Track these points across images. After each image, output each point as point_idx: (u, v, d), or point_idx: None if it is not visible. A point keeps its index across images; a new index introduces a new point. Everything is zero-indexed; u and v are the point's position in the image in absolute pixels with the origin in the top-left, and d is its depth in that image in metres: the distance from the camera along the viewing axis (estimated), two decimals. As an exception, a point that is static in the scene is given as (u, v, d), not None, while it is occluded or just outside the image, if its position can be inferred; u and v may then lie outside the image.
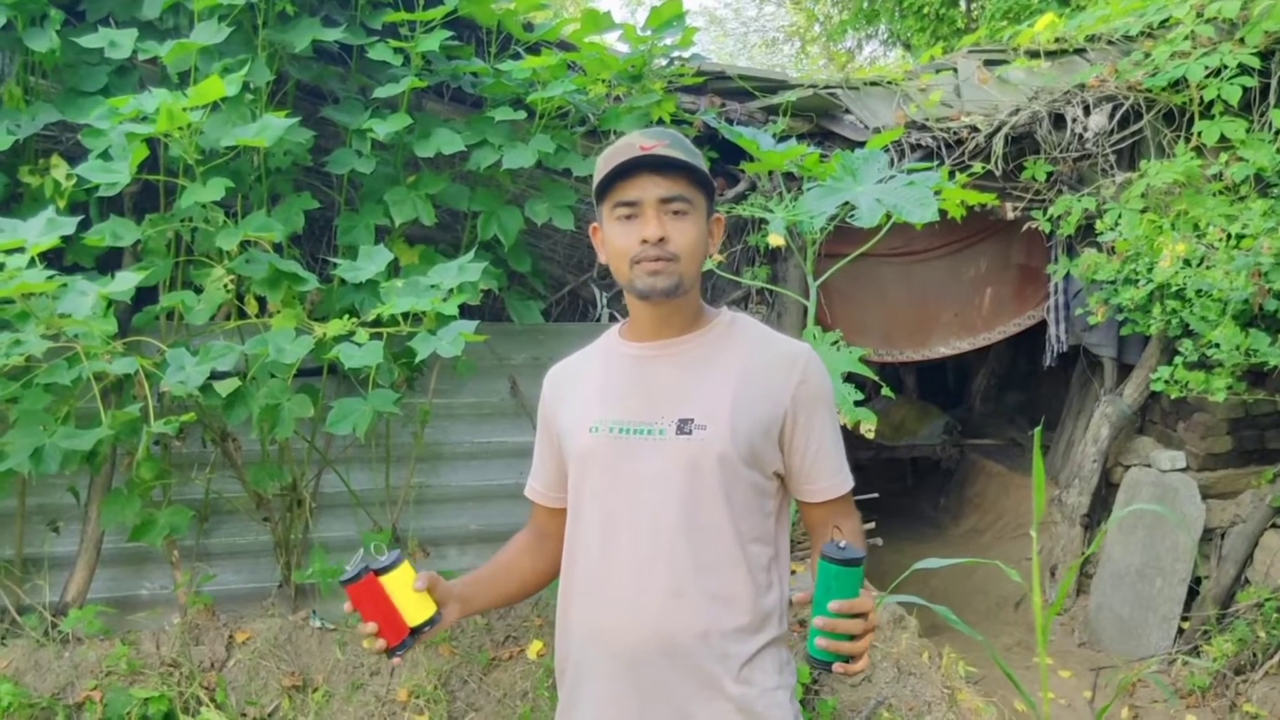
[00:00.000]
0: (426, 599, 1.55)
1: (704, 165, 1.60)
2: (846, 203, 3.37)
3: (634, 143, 1.56)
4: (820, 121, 4.18)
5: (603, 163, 1.59)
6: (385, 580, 1.52)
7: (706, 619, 1.56)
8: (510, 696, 3.37)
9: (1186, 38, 4.18)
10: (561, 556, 1.71)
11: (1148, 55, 4.34)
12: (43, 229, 2.53)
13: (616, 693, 1.60)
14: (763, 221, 3.82)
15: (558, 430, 1.72)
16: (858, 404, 3.55)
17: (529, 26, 3.60)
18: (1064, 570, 4.66)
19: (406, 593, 1.53)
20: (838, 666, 1.45)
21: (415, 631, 1.54)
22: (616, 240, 1.57)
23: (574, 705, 1.68)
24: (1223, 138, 4.04)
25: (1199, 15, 4.20)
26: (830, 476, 1.66)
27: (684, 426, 1.57)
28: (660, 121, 3.63)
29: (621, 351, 1.68)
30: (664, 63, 3.74)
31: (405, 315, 3.01)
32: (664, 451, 1.57)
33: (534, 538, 1.84)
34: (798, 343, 1.70)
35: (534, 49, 3.56)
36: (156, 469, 3.20)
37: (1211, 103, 4.08)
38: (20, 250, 2.49)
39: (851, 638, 1.44)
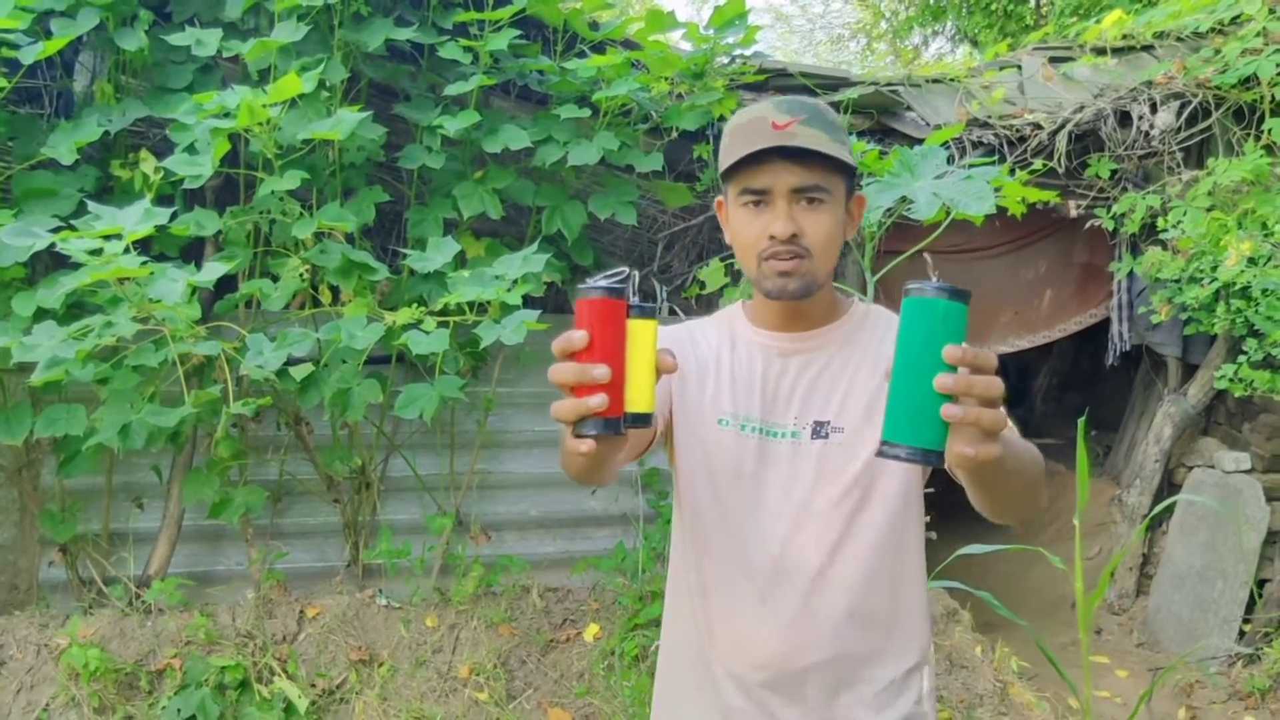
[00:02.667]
0: (653, 385, 1.13)
1: (846, 143, 1.40)
2: (904, 198, 3.40)
3: (765, 117, 1.36)
4: (881, 118, 4.20)
5: (730, 138, 1.41)
6: (633, 325, 1.11)
7: (844, 641, 1.42)
8: (567, 677, 3.46)
9: (1258, 34, 4.13)
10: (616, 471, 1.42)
11: (1217, 52, 4.29)
12: (139, 218, 2.68)
13: (732, 707, 1.47)
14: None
15: (685, 390, 1.50)
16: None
17: (594, 25, 3.69)
18: (1123, 571, 4.62)
19: (642, 360, 1.11)
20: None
21: (627, 420, 1.10)
22: (742, 230, 1.41)
23: (682, 708, 1.55)
24: (1293, 135, 3.99)
25: (1271, 12, 4.15)
26: None
27: (820, 430, 1.43)
28: (721, 119, 3.69)
29: (750, 339, 1.52)
30: (726, 61, 3.80)
31: (471, 304, 3.11)
32: (799, 456, 1.43)
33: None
34: None
35: (599, 48, 3.64)
36: (234, 449, 3.35)
37: (1282, 100, 4.03)
38: (118, 237, 2.63)
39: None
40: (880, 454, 1.06)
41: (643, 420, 1.10)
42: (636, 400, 1.10)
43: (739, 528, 1.45)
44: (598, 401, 1.05)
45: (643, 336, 1.11)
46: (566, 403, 1.07)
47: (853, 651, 1.42)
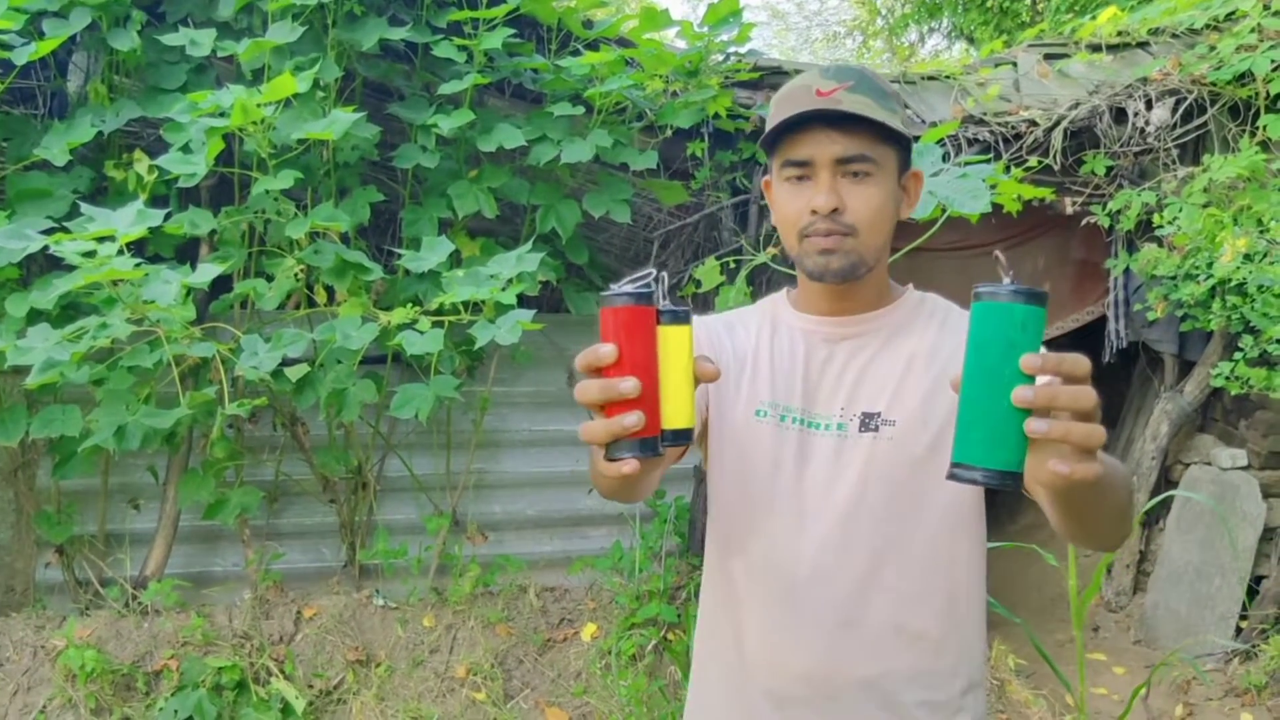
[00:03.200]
0: (691, 397, 1.01)
1: (898, 112, 1.29)
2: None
3: (810, 85, 1.27)
4: (877, 116, 4.19)
5: (773, 108, 1.31)
6: (665, 332, 0.99)
7: (885, 657, 1.30)
8: (564, 676, 3.46)
9: (1253, 30, 4.12)
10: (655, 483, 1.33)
11: (1212, 48, 4.28)
12: (132, 220, 2.67)
13: None
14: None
15: (722, 384, 1.39)
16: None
17: (588, 24, 3.69)
18: (1120, 568, 4.62)
19: (678, 372, 0.99)
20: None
21: (665, 438, 0.98)
22: (785, 205, 1.31)
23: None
24: (1289, 132, 3.99)
25: (1265, 8, 4.14)
26: None
27: (869, 422, 1.31)
28: (716, 117, 3.69)
29: (792, 324, 1.42)
30: (721, 58, 3.80)
31: (466, 304, 3.11)
32: (845, 451, 1.32)
33: None
34: None
35: (593, 45, 3.64)
36: (230, 450, 3.34)
37: (1278, 97, 4.02)
38: (111, 239, 2.63)
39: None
40: (952, 477, 0.95)
41: (684, 437, 1.00)
42: (674, 416, 0.99)
43: (775, 528, 1.34)
44: (633, 421, 0.93)
45: (676, 344, 0.99)
46: (597, 424, 0.96)
47: (896, 670, 1.30)
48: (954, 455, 0.95)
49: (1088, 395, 0.91)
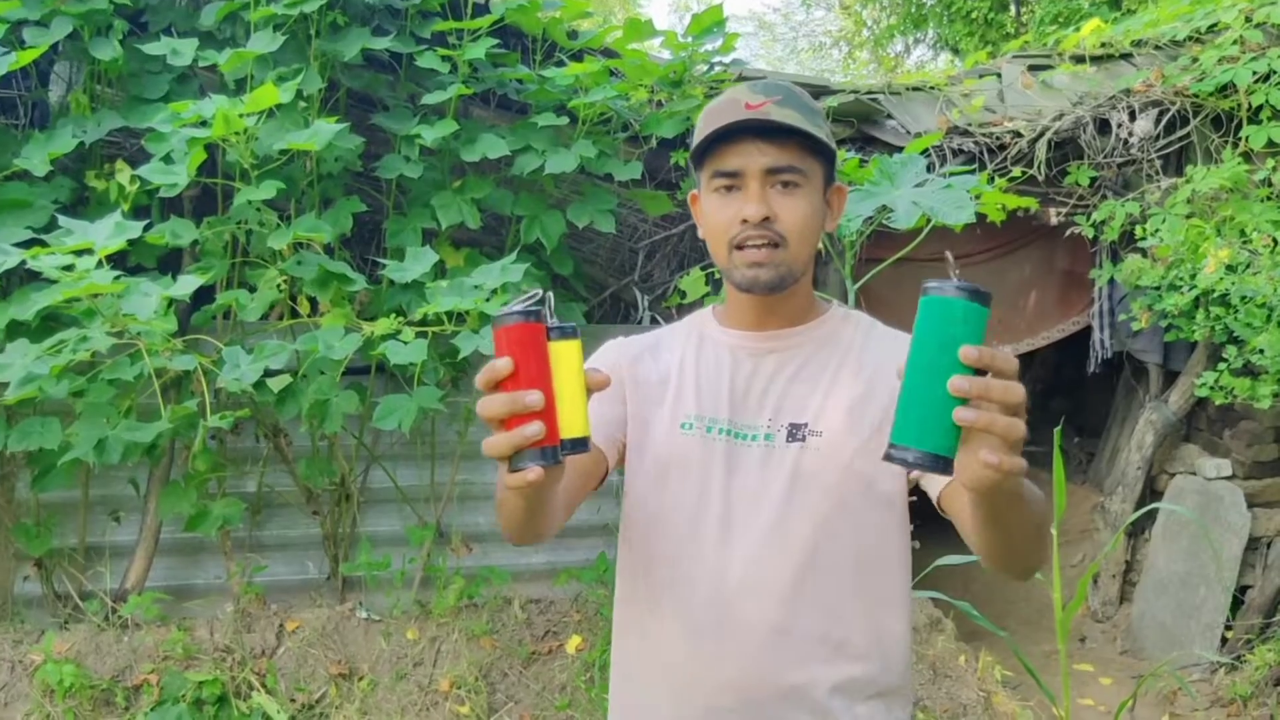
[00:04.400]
0: (585, 408, 1.06)
1: (823, 127, 1.32)
2: (884, 206, 3.40)
3: (739, 99, 1.30)
4: (862, 126, 4.20)
5: (703, 121, 1.33)
6: (556, 348, 1.04)
7: (812, 665, 1.30)
8: (549, 689, 3.44)
9: (1235, 42, 4.15)
10: (564, 515, 1.33)
11: (1195, 60, 4.31)
12: (111, 232, 2.65)
13: None
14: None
15: (634, 390, 1.41)
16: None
17: (573, 34, 3.68)
18: (1107, 578, 4.63)
19: (570, 385, 1.04)
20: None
21: (564, 447, 1.03)
22: (714, 216, 1.32)
23: None
24: (1271, 143, 4.00)
25: (1247, 20, 4.17)
26: None
27: (796, 433, 1.32)
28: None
29: (719, 339, 1.43)
30: (705, 68, 3.80)
31: (450, 315, 3.10)
32: (772, 461, 1.32)
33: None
34: None
35: (577, 56, 3.63)
36: (212, 462, 3.32)
37: (1260, 108, 4.05)
38: (89, 252, 2.61)
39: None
40: (887, 457, 0.99)
41: (580, 445, 1.04)
42: (570, 425, 1.03)
43: (703, 539, 1.33)
44: (534, 430, 0.98)
45: (567, 358, 1.04)
46: (499, 437, 0.99)
47: (823, 678, 1.29)
48: (891, 437, 0.99)
49: (1017, 390, 0.95)
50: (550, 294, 1.07)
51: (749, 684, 1.30)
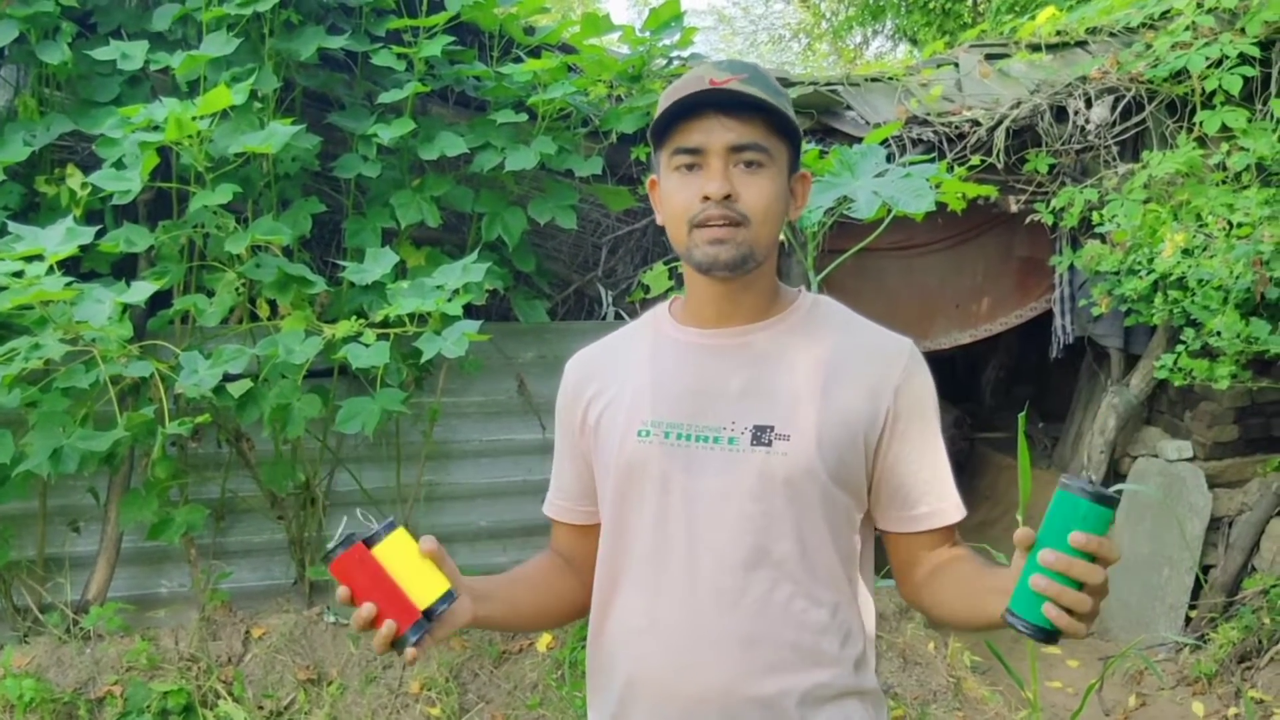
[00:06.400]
0: (435, 573, 1.21)
1: (788, 105, 1.27)
2: (844, 197, 3.41)
3: (702, 76, 1.24)
4: (821, 118, 4.21)
5: (664, 99, 1.26)
6: (378, 552, 1.20)
7: (783, 674, 1.26)
8: (520, 689, 3.43)
9: (1187, 28, 4.19)
10: (592, 588, 1.39)
11: (1149, 47, 4.35)
12: (61, 238, 2.61)
13: None
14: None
15: (590, 430, 1.39)
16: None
17: (530, 30, 3.66)
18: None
19: (409, 566, 1.20)
20: (1053, 613, 1.05)
21: (429, 614, 1.19)
22: (673, 196, 1.26)
23: None
24: (1224, 127, 4.05)
25: (1199, 6, 4.21)
26: (937, 499, 1.32)
27: (761, 436, 1.27)
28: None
29: (676, 338, 1.37)
30: (664, 63, 3.79)
31: (411, 316, 3.07)
32: (736, 466, 1.27)
33: (559, 561, 1.49)
34: (897, 335, 1.36)
35: (535, 52, 3.61)
36: (172, 469, 3.27)
37: (1213, 93, 4.09)
38: (39, 258, 2.56)
39: (1076, 585, 1.06)
40: (1003, 619, 1.11)
41: (444, 600, 1.20)
42: (424, 597, 1.20)
43: (668, 548, 1.29)
44: (385, 630, 1.16)
45: (395, 550, 1.20)
46: (375, 640, 1.16)
47: (793, 687, 1.26)
48: (1010, 602, 1.12)
49: (1097, 573, 1.05)
50: (360, 512, 1.32)
51: (721, 695, 1.26)
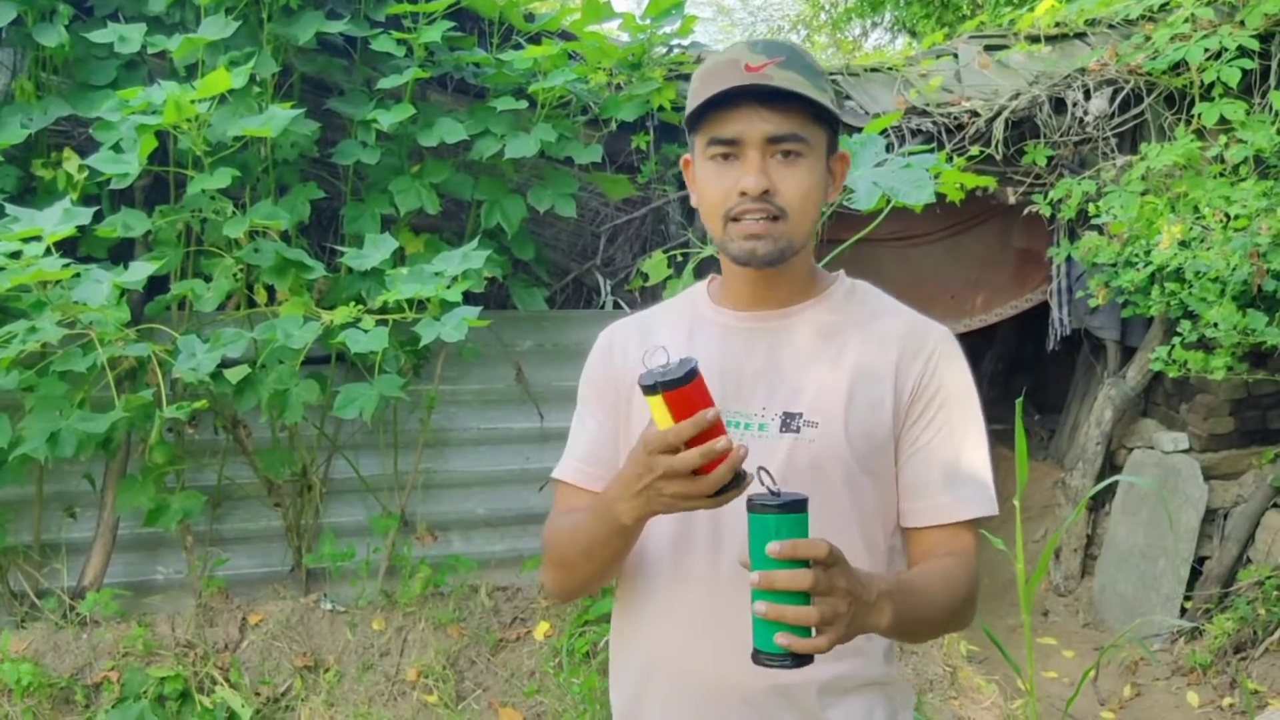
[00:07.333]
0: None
1: (827, 91, 1.24)
2: (844, 187, 3.40)
3: (738, 60, 1.21)
4: (821, 108, 4.20)
5: (698, 82, 1.25)
6: (694, 389, 1.09)
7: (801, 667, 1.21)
8: (517, 676, 3.43)
9: (1186, 20, 4.20)
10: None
11: (1148, 39, 4.35)
12: (59, 219, 2.60)
13: None
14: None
15: (626, 397, 1.35)
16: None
17: (530, 17, 3.65)
18: (1068, 552, 4.69)
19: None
20: (783, 639, 1.02)
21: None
22: (709, 186, 1.25)
23: None
24: (1223, 119, 4.06)
25: (1198, -2, 4.22)
26: (948, 491, 1.28)
27: (790, 422, 1.26)
28: (661, 109, 3.67)
29: (712, 319, 1.36)
30: (664, 51, 3.78)
31: (410, 302, 3.06)
32: (765, 452, 1.24)
33: None
34: (932, 322, 1.35)
35: (535, 39, 3.60)
36: (169, 454, 3.26)
37: (1211, 85, 4.10)
38: (37, 239, 2.55)
39: (804, 599, 1.02)
40: (756, 661, 1.07)
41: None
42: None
43: (693, 535, 1.28)
44: (733, 462, 1.07)
45: (708, 397, 1.10)
46: (696, 482, 1.07)
47: (814, 677, 1.24)
48: (754, 644, 1.07)
49: (803, 578, 1.00)
50: (693, 361, 1.10)
51: (740, 683, 1.25)
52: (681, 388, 1.07)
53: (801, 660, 1.03)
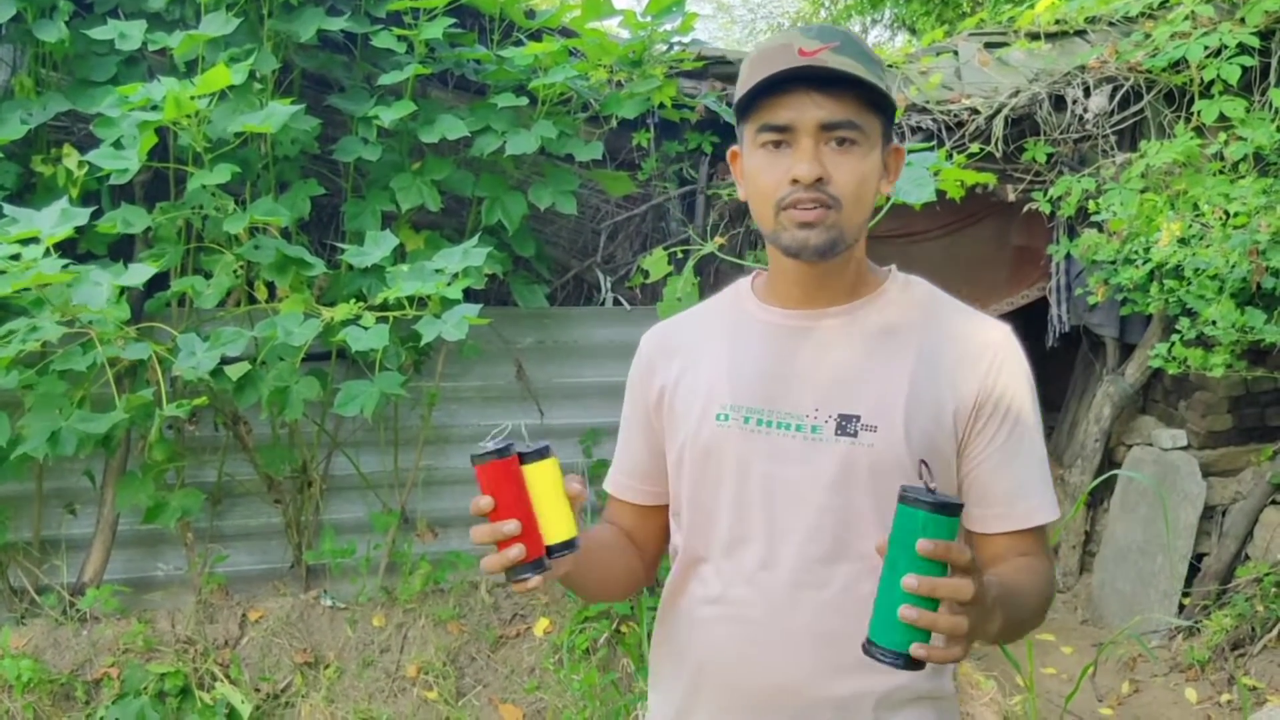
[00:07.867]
0: (569, 513, 1.17)
1: (884, 77, 1.19)
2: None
3: (790, 44, 1.16)
4: (821, 105, 4.20)
5: (748, 68, 1.20)
6: (528, 472, 1.14)
7: (860, 675, 1.20)
8: (517, 672, 3.43)
9: (1186, 18, 4.20)
10: (651, 568, 1.40)
11: (1148, 36, 4.35)
12: (57, 220, 2.59)
13: None
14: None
15: (666, 409, 1.34)
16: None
17: (531, 13, 3.64)
18: (1067, 549, 4.70)
19: (550, 498, 1.15)
20: (919, 650, 0.99)
21: (549, 552, 1.15)
22: (760, 175, 1.20)
23: None
24: (1222, 117, 4.06)
25: (1198, -5, 4.22)
26: (1019, 499, 1.24)
27: (846, 425, 1.21)
28: (661, 107, 3.67)
29: (760, 318, 1.31)
30: (664, 48, 3.78)
31: (411, 299, 3.06)
32: (819, 456, 1.21)
33: (624, 536, 1.43)
34: (993, 321, 1.30)
35: (536, 36, 3.60)
36: (169, 451, 3.26)
37: (1211, 83, 4.09)
38: (36, 240, 2.54)
39: (935, 603, 0.99)
40: (866, 652, 1.03)
41: (568, 546, 1.16)
42: (554, 533, 1.15)
43: (748, 539, 1.25)
44: (515, 553, 1.11)
45: (543, 477, 1.15)
46: (492, 559, 1.12)
47: (869, 689, 1.22)
48: (869, 633, 1.04)
49: (965, 588, 0.97)
50: (521, 423, 1.20)
51: (794, 693, 1.23)
52: (486, 464, 1.14)
53: (916, 665, 1.01)
